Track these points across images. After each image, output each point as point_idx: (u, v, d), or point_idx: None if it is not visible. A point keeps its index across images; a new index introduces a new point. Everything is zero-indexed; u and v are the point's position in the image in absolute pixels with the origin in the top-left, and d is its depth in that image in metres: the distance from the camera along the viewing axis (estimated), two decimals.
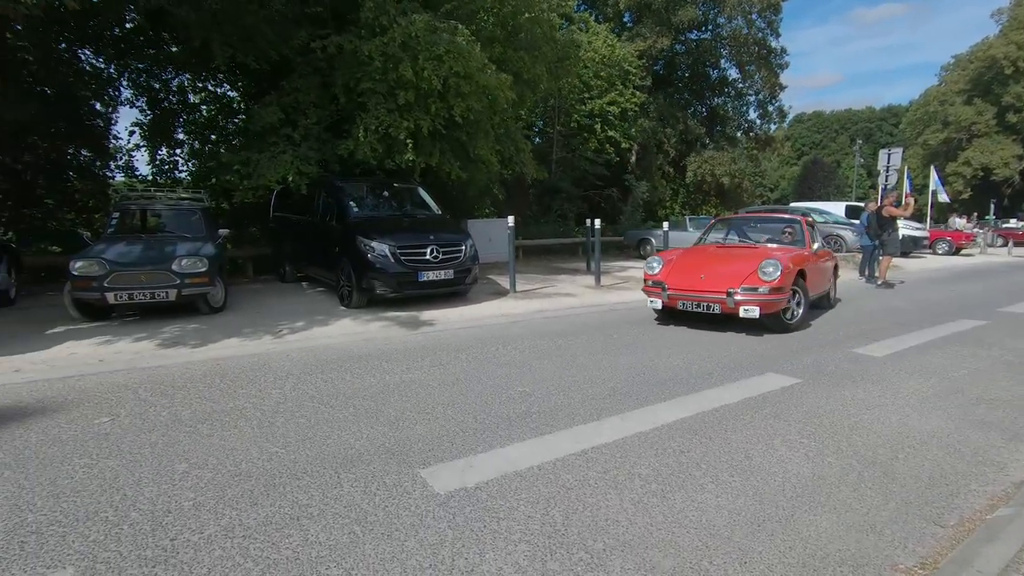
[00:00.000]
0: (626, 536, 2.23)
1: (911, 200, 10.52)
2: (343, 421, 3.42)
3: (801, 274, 6.22)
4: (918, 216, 21.21)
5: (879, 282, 10.22)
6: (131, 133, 11.97)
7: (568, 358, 4.99)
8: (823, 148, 72.17)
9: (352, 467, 2.79)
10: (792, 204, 20.55)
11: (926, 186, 24.39)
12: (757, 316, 5.68)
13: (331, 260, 7.94)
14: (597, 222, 10.21)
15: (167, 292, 6.25)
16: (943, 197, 24.48)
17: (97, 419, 3.46)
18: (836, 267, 8.09)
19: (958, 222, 23.81)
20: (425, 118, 8.92)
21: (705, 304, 5.97)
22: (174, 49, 10.72)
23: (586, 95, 20.20)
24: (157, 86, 11.85)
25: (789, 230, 7.56)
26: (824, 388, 4.19)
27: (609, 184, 21.29)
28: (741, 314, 5.73)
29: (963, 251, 19.93)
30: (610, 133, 20.66)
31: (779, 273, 5.75)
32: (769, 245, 7.24)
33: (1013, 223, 27.13)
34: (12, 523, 2.28)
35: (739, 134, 27.21)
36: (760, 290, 5.73)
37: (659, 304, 6.30)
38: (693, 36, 25.11)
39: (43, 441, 3.12)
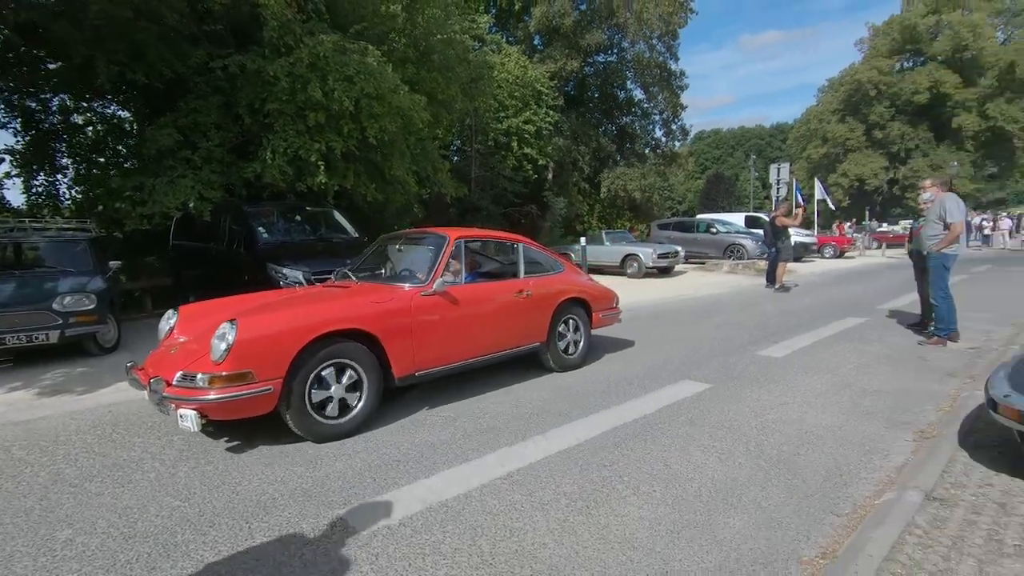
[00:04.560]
0: (553, 559, 2.23)
1: (800, 210, 11.56)
2: (255, 464, 3.20)
3: (366, 339, 3.66)
4: (807, 223, 23.28)
5: (776, 286, 11.07)
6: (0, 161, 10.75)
7: (488, 377, 4.98)
8: (723, 163, 77.82)
9: (266, 515, 2.61)
10: (699, 216, 21.95)
11: (813, 195, 26.86)
12: (194, 428, 3.08)
13: (240, 289, 7.47)
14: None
15: (47, 334, 5.61)
16: (831, 204, 27.16)
17: None
18: (584, 304, 5.40)
19: (846, 227, 26.44)
20: (337, 139, 8.69)
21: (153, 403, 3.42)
22: (52, 66, 9.81)
23: (501, 114, 20.58)
24: (34, 105, 10.75)
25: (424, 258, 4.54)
26: (732, 391, 4.45)
27: (528, 201, 21.72)
28: (180, 424, 3.14)
29: (846, 254, 22.06)
30: (527, 150, 21.16)
31: (226, 348, 3.16)
32: (381, 284, 4.54)
33: (885, 227, 30.44)
34: None
35: (647, 151, 28.70)
36: (199, 380, 3.18)
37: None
38: (600, 59, 26.36)
39: None
